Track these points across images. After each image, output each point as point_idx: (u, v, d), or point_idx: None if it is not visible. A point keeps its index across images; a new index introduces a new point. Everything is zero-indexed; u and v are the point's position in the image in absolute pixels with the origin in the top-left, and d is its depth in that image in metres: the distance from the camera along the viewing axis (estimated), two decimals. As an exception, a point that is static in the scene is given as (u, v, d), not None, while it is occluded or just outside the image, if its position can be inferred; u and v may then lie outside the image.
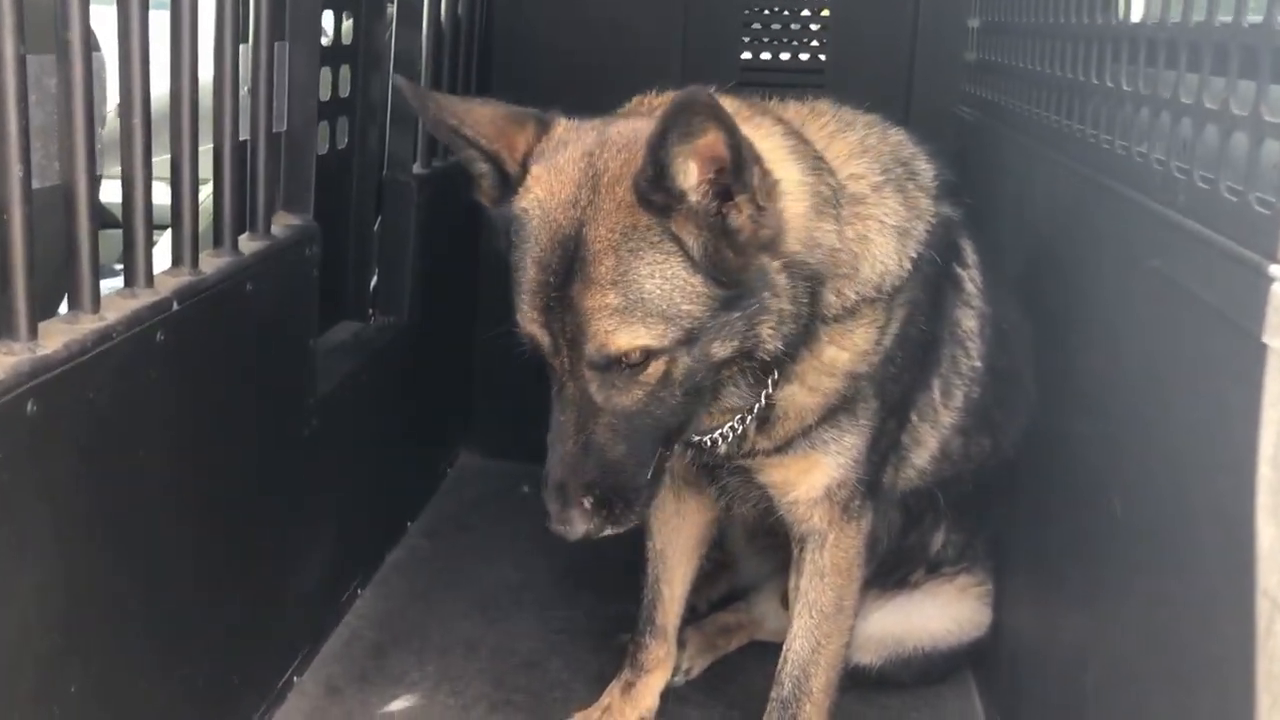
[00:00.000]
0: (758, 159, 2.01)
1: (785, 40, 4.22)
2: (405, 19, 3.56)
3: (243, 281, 2.41)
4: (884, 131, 2.48)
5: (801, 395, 2.36)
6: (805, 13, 4.21)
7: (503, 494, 4.21)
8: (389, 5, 3.55)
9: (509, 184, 2.14)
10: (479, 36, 4.08)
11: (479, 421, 4.50)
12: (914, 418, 2.56)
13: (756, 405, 2.33)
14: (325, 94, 3.28)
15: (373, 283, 3.73)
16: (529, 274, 2.07)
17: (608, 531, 2.14)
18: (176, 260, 2.25)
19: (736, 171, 1.97)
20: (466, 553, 3.80)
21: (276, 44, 2.63)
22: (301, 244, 2.75)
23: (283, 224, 2.77)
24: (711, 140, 1.90)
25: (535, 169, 2.11)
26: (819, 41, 4.23)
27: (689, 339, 2.03)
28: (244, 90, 2.54)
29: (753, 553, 3.14)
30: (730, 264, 2.03)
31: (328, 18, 3.24)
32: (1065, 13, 2.82)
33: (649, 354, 2.02)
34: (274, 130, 2.66)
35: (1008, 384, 2.70)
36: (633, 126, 2.12)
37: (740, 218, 2.02)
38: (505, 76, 4.23)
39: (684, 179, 1.96)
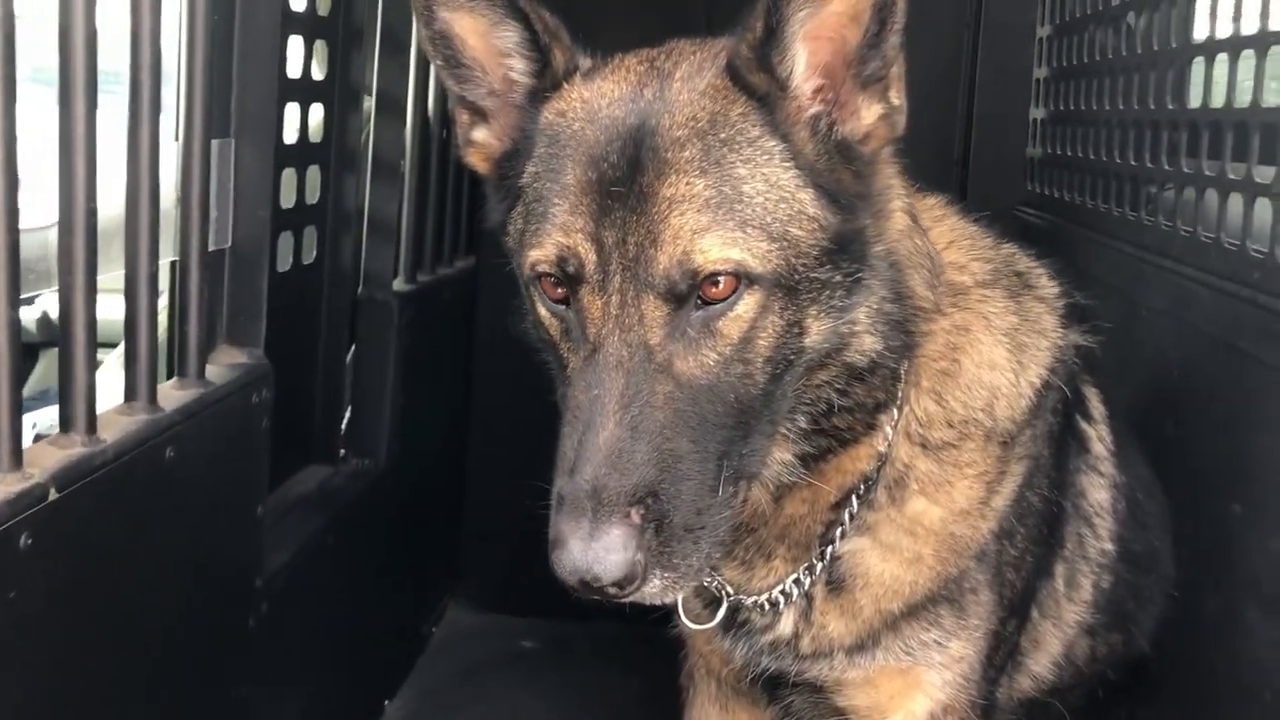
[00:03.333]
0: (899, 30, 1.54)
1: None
2: (385, 113, 3.06)
3: (159, 448, 1.84)
4: (996, 240, 2.01)
5: (875, 557, 1.81)
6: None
7: (499, 657, 3.63)
8: (365, 99, 3.04)
9: (542, 86, 1.68)
10: (471, 133, 3.59)
11: (470, 570, 3.94)
12: (1034, 613, 1.98)
13: (820, 563, 1.80)
14: (289, 200, 2.77)
15: (345, 420, 3.15)
16: (571, 175, 1.54)
17: (654, 585, 1.45)
18: (65, 425, 1.69)
19: (878, 37, 1.53)
20: (455, 742, 3.18)
21: (216, 142, 2.10)
22: (248, 389, 2.19)
23: (225, 363, 2.21)
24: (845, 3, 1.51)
25: (575, 78, 1.68)
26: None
27: (789, 281, 1.53)
28: (173, 199, 2.00)
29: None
30: (847, 185, 1.56)
31: (293, 112, 2.73)
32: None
33: (742, 280, 1.50)
34: (211, 248, 2.11)
35: (1144, 568, 2.14)
36: (696, 44, 1.71)
37: (867, 117, 1.57)
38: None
39: (794, 62, 1.56)
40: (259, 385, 2.22)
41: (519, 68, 1.70)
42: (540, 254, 1.55)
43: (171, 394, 1.99)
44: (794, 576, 1.82)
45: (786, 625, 1.86)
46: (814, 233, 1.55)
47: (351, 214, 3.01)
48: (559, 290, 1.57)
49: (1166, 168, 2.42)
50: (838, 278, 1.58)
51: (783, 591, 1.83)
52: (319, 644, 2.75)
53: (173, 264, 2.09)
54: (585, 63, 1.71)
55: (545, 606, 3.86)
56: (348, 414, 3.14)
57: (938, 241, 1.86)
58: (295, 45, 2.65)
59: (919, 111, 3.87)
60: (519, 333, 1.79)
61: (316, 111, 2.85)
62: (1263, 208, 1.95)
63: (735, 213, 1.50)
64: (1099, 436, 2.06)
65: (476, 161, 1.78)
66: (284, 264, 2.77)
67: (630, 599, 1.46)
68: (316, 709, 2.75)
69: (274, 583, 2.38)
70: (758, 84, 1.57)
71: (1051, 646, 2.04)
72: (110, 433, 1.74)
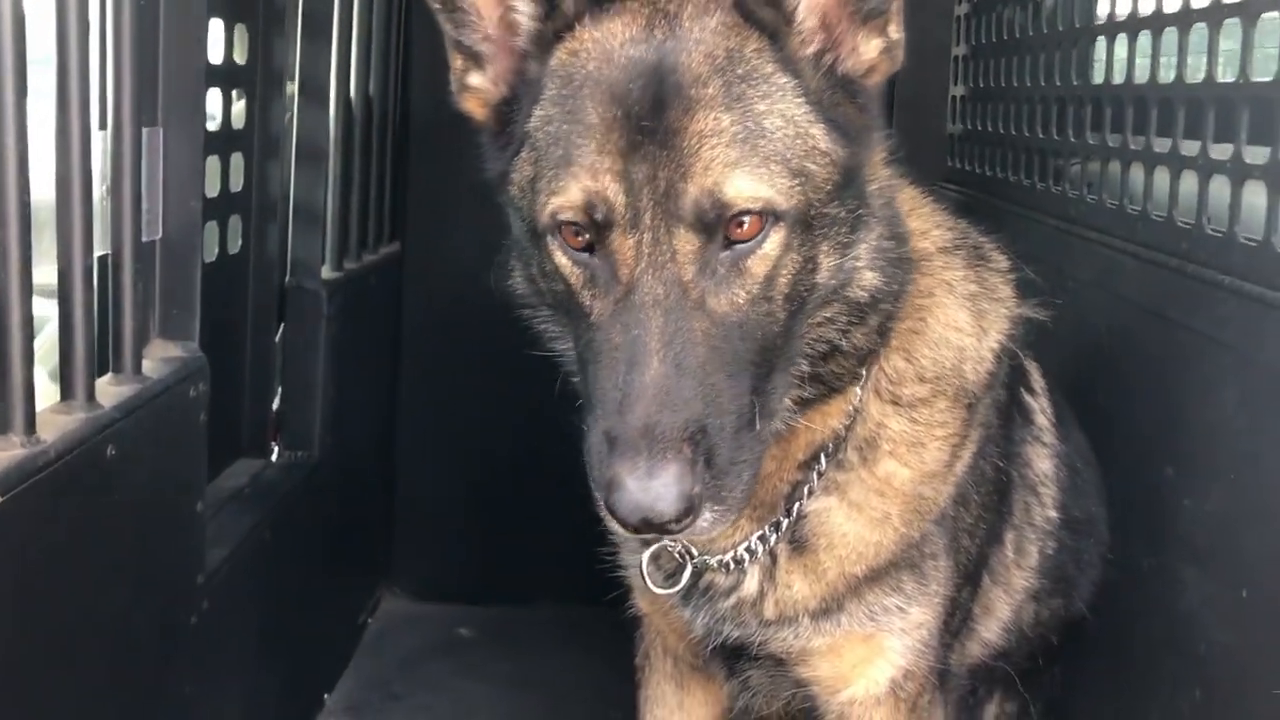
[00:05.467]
0: None
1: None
2: (308, 98, 3.00)
3: (100, 447, 1.79)
4: (951, 214, 2.04)
5: (841, 516, 1.83)
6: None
7: (437, 646, 3.60)
8: (288, 84, 2.98)
9: (551, 28, 1.66)
10: (394, 117, 3.54)
11: (403, 558, 3.90)
12: (985, 580, 2.03)
13: (786, 520, 1.82)
14: (214, 189, 2.70)
15: (275, 412, 3.09)
16: (594, 114, 1.53)
17: (706, 519, 1.47)
18: (3, 426, 1.63)
19: None
20: (397, 732, 3.15)
21: (146, 130, 2.04)
22: (185, 383, 2.13)
23: (159, 357, 2.15)
24: None
25: (585, 18, 1.65)
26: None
27: (806, 217, 1.57)
28: (102, 190, 1.94)
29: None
30: (852, 118, 1.62)
31: (214, 98, 2.65)
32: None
33: (769, 217, 1.53)
34: (144, 239, 2.05)
35: (1083, 534, 2.21)
36: None
37: (867, 52, 1.63)
38: (426, 164, 3.71)
39: None
40: (195, 379, 2.17)
41: (525, 10, 1.68)
42: (563, 200, 1.54)
43: (109, 390, 1.93)
44: (759, 533, 1.83)
45: (751, 585, 1.87)
46: (827, 167, 1.58)
47: (276, 202, 2.95)
48: (581, 239, 1.56)
49: (1090, 142, 2.49)
50: (843, 213, 1.61)
51: (748, 549, 1.83)
52: (258, 639, 2.70)
53: (101, 258, 2.02)
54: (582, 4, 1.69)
55: (480, 593, 3.87)
56: (277, 406, 3.08)
57: (900, 208, 1.88)
58: (215, 29, 2.58)
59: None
60: (501, 289, 1.78)
61: (239, 97, 2.78)
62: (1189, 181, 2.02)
63: (759, 149, 1.52)
64: (1041, 408, 2.12)
65: (473, 108, 1.76)
66: (210, 254, 2.70)
67: (683, 533, 1.48)
68: (257, 703, 2.71)
69: (214, 579, 2.33)
70: (766, 18, 1.59)
71: (1001, 612, 2.10)
72: (50, 432, 1.69)
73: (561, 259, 1.60)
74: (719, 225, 1.51)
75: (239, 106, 2.79)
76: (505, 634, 3.65)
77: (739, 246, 1.52)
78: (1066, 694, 2.43)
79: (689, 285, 1.50)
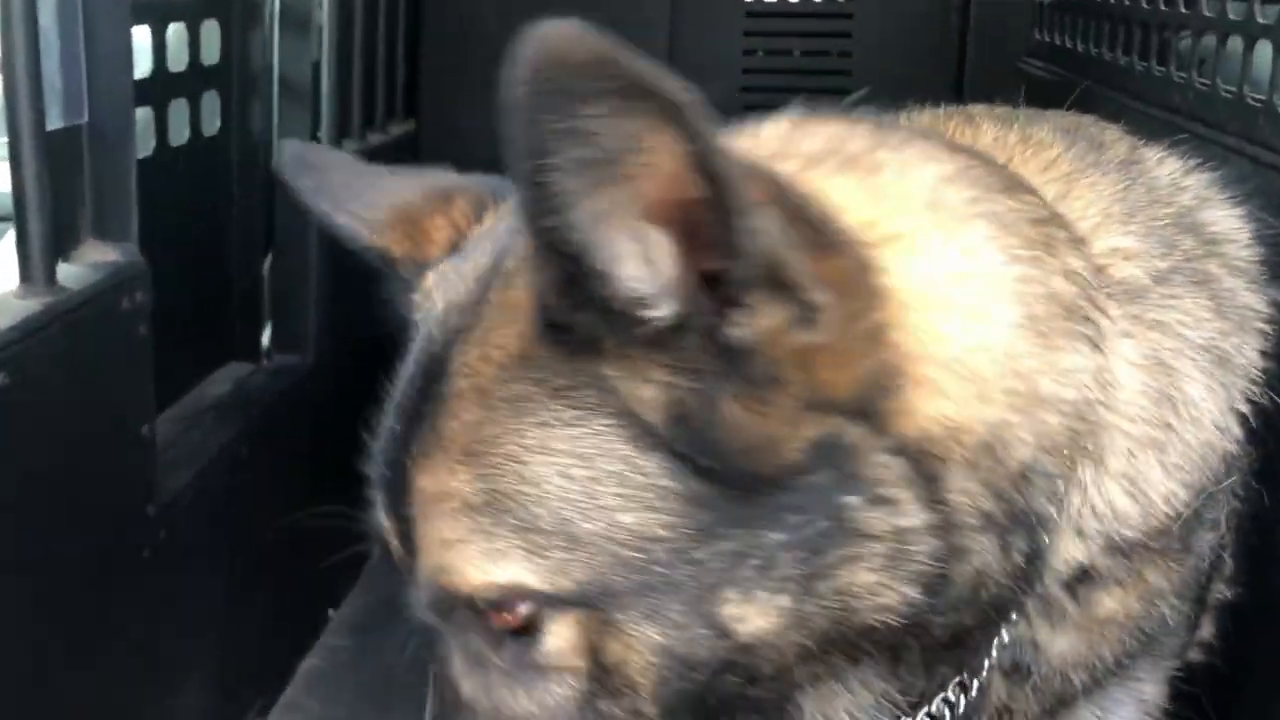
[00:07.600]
0: (780, 188, 0.94)
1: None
2: (294, -45, 2.65)
3: (-15, 377, 1.52)
4: (1153, 162, 1.42)
5: (1056, 639, 1.34)
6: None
7: (454, 557, 3.38)
8: (270, -63, 2.63)
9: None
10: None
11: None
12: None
13: (963, 697, 1.30)
14: (181, 63, 2.39)
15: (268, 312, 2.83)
16: (385, 412, 1.23)
17: None
18: None
19: (724, 222, 0.87)
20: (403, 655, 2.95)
21: (52, -7, 1.72)
22: (116, 293, 1.85)
23: (90, 262, 1.87)
24: (668, 162, 0.83)
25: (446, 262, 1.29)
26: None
27: (635, 584, 1.01)
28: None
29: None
30: (744, 425, 0.98)
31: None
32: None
33: (538, 603, 1.05)
34: (59, 125, 1.75)
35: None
36: None
37: (765, 318, 0.95)
38: (445, 26, 3.35)
39: (648, 261, 0.91)
40: (130, 287, 1.88)
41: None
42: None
43: (12, 306, 1.66)
44: (942, 697, 1.30)
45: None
46: (672, 513, 1.00)
47: (259, 74, 2.63)
48: None
49: (1206, 13, 2.05)
50: (776, 537, 1.00)
51: (946, 700, 1.29)
52: (240, 563, 2.48)
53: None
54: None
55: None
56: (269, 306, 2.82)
57: (1086, 215, 1.25)
58: None
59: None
60: None
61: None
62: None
63: (508, 512, 1.03)
64: None
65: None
66: (179, 137, 2.41)
67: None
68: (247, 623, 2.51)
69: (173, 506, 2.09)
70: (583, 328, 0.98)
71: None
72: (-84, 362, 1.42)
73: None
74: (469, 620, 1.09)
75: (210, -35, 2.46)
76: (526, 547, 3.43)
77: (521, 638, 1.06)
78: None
79: (456, 676, 1.12)
